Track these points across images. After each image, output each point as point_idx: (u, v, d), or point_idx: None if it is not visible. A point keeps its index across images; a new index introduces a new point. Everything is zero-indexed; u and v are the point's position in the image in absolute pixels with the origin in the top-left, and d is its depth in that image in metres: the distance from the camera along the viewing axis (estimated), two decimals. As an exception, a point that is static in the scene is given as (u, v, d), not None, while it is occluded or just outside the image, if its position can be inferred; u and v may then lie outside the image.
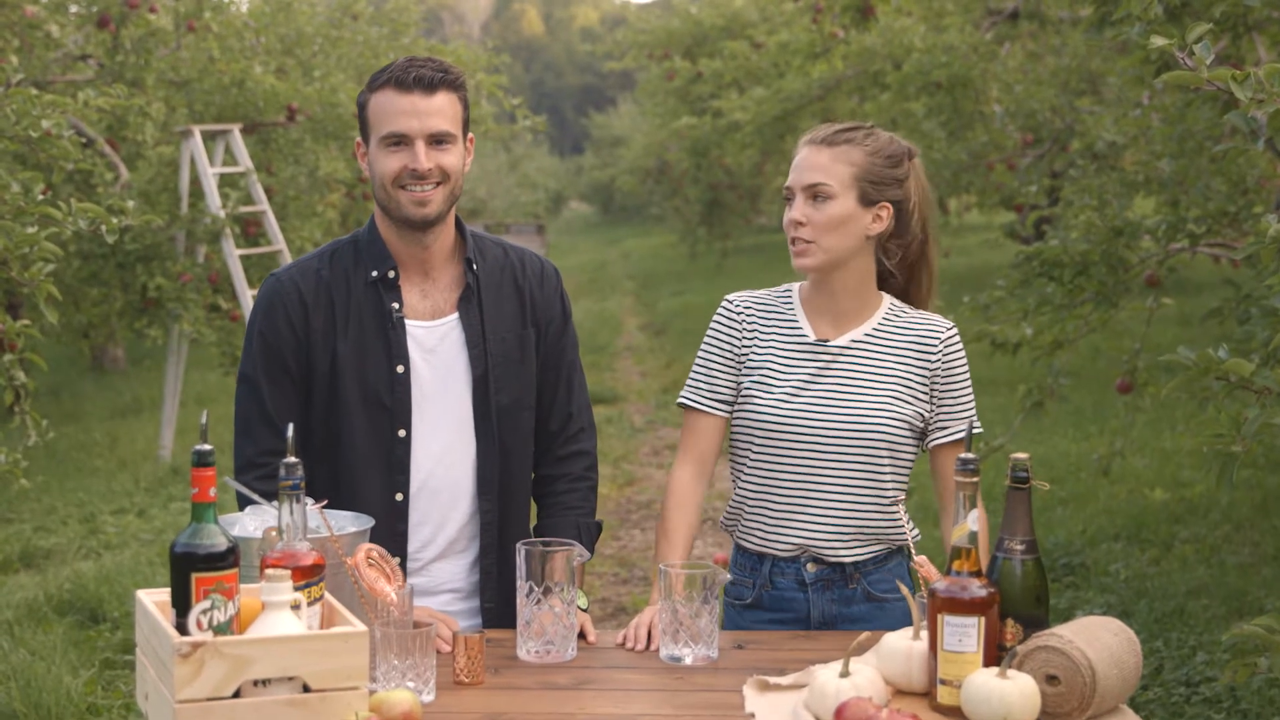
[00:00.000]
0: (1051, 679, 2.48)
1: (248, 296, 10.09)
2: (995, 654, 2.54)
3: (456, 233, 3.20)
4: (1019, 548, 2.58)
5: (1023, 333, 6.75)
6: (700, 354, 3.27)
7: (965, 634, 2.50)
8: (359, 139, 3.12)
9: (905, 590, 2.70)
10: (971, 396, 3.21)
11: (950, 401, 3.18)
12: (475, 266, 3.17)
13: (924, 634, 2.61)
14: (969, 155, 11.80)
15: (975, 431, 3.12)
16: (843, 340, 3.18)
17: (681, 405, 3.27)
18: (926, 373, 3.17)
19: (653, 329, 18.61)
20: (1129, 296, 6.63)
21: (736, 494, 3.24)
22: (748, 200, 23.98)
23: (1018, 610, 2.56)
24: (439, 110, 3.04)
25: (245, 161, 10.43)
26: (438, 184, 3.05)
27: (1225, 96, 6.20)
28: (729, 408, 3.24)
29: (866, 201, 3.13)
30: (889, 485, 3.14)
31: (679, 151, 21.28)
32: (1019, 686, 2.41)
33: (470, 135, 3.15)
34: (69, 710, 5.50)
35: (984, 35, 11.56)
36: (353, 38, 12.63)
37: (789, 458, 3.14)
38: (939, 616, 2.52)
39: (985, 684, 2.42)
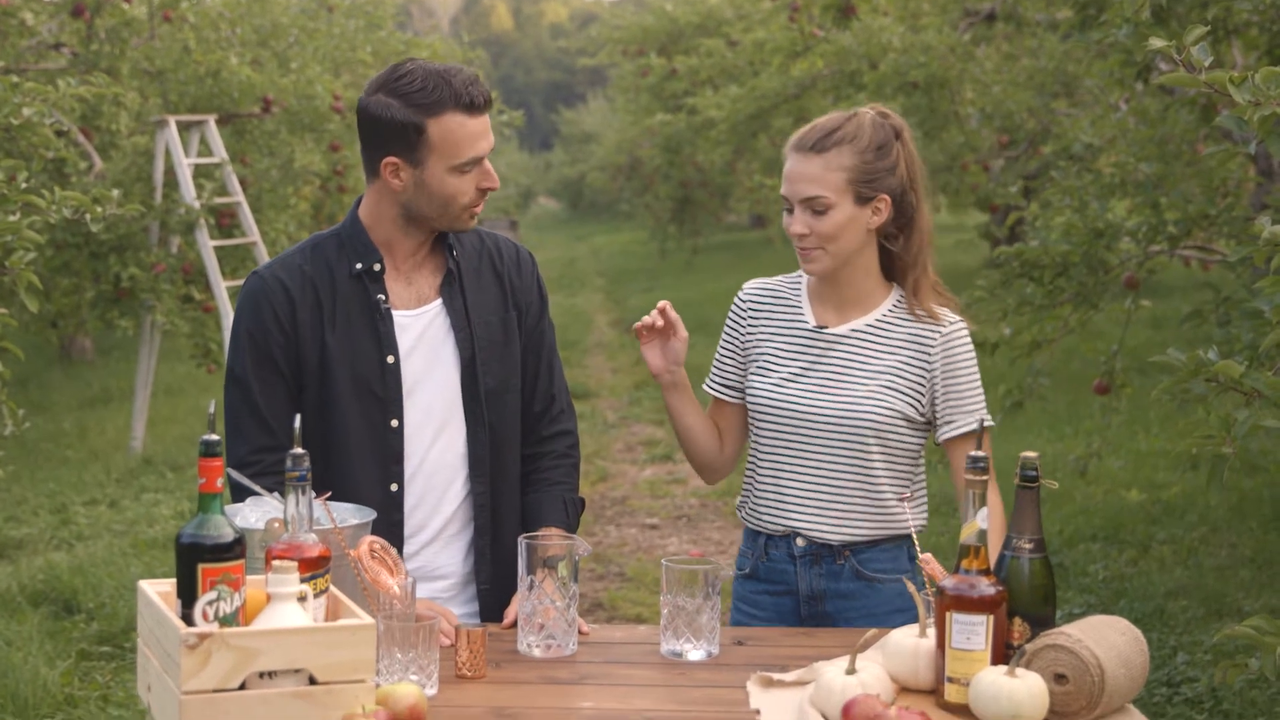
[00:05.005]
0: (1060, 678, 2.47)
1: (222, 288, 10.03)
2: (1003, 652, 2.54)
3: None
4: (1027, 546, 2.58)
5: (1001, 333, 6.76)
6: (720, 341, 3.36)
7: (974, 632, 2.50)
8: (393, 158, 3.01)
9: (912, 588, 2.69)
10: (979, 391, 3.19)
11: (955, 397, 3.17)
12: (455, 252, 3.17)
13: (930, 631, 2.61)
14: (945, 156, 11.80)
15: (987, 425, 3.06)
16: (842, 329, 3.20)
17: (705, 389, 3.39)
18: (924, 369, 3.16)
19: (623, 325, 18.57)
20: (1107, 298, 6.65)
21: (744, 475, 3.33)
22: (718, 198, 23.98)
23: (1025, 609, 2.56)
24: (489, 126, 3.07)
25: (220, 152, 10.37)
26: None
27: (1205, 100, 6.24)
28: (738, 394, 3.31)
29: (863, 200, 3.11)
30: (880, 474, 3.16)
31: (651, 148, 21.25)
32: (1028, 685, 2.41)
33: None
34: (45, 701, 5.46)
35: (961, 36, 11.58)
36: (329, 30, 12.59)
37: (780, 441, 3.20)
38: (947, 614, 2.52)
39: (994, 682, 2.42)
